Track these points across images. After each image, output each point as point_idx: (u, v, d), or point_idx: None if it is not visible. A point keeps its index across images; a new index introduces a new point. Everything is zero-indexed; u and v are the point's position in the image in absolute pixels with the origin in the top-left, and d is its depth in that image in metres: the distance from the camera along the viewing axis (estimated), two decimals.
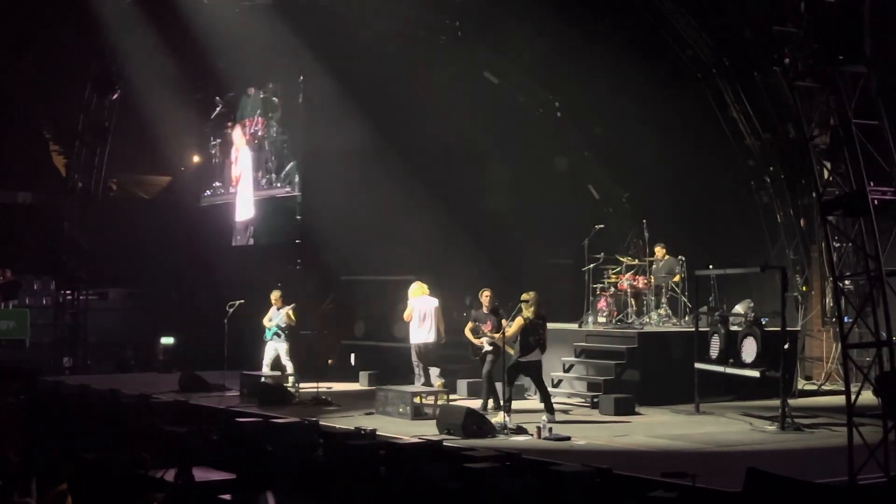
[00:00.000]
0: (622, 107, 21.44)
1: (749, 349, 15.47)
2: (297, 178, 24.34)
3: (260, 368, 19.65)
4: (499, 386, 16.02)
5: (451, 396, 17.10)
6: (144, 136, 25.35)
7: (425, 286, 17.85)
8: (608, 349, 18.00)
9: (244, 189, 26.48)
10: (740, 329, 16.02)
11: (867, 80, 11.46)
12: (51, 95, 25.89)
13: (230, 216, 26.72)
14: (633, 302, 19.00)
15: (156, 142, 25.79)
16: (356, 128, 22.51)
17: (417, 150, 22.88)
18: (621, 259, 19.51)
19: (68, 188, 25.93)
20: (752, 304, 16.88)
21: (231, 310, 19.67)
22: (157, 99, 24.44)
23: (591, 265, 19.35)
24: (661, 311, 19.16)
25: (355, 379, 20.90)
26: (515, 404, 15.35)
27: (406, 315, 17.77)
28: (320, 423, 14.70)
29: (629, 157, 22.98)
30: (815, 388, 19.13)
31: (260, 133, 25.81)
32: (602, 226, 20.22)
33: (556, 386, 17.99)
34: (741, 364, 15.59)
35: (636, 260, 19.57)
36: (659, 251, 19.73)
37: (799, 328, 19.72)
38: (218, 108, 26.55)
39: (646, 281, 19.16)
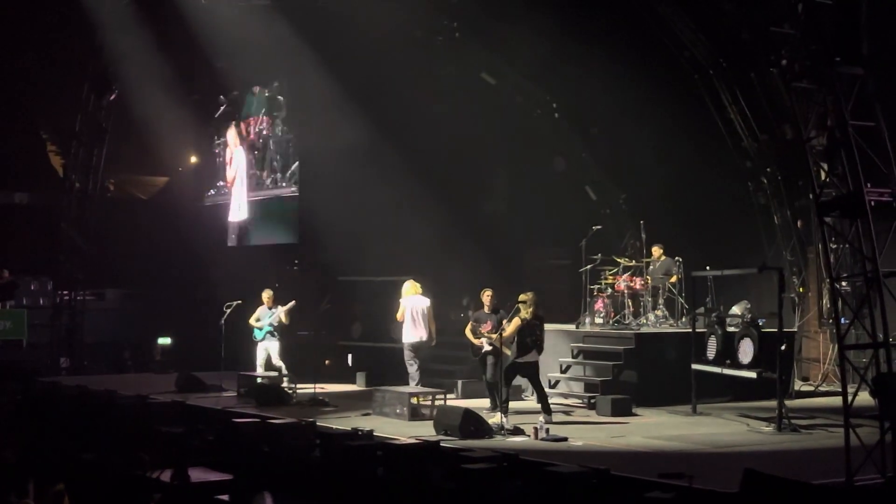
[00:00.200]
0: (620, 108, 21.43)
1: (746, 350, 15.47)
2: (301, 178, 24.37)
3: (256, 369, 19.66)
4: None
5: (449, 397, 17.12)
6: (142, 137, 25.35)
7: (418, 285, 17.87)
8: (605, 350, 18.01)
9: (238, 190, 26.49)
10: (737, 330, 16.01)
11: (864, 81, 11.47)
12: (48, 96, 25.91)
13: (227, 216, 26.74)
14: (630, 303, 19.00)
15: (153, 142, 25.78)
16: (354, 128, 22.51)
17: (415, 150, 22.87)
18: (618, 260, 19.50)
19: (65, 188, 25.95)
20: (748, 306, 16.90)
21: (228, 310, 19.67)
22: (155, 99, 24.43)
23: (589, 266, 19.34)
24: (659, 312, 19.17)
25: (352, 379, 20.90)
26: (512, 405, 15.36)
27: (399, 315, 17.80)
28: (317, 423, 14.71)
29: (627, 158, 22.97)
30: (811, 389, 19.13)
31: (265, 132, 25.77)
32: (599, 227, 20.22)
33: (553, 387, 17.99)
34: (738, 365, 15.60)
35: (633, 261, 19.56)
36: (656, 251, 19.74)
37: (796, 329, 19.72)
38: (222, 107, 26.50)
39: (643, 282, 19.16)
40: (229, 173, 26.95)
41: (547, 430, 13.98)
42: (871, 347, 10.96)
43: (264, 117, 25.72)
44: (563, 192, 24.15)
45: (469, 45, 23.32)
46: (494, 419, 14.58)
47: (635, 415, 16.20)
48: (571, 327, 19.18)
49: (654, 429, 14.88)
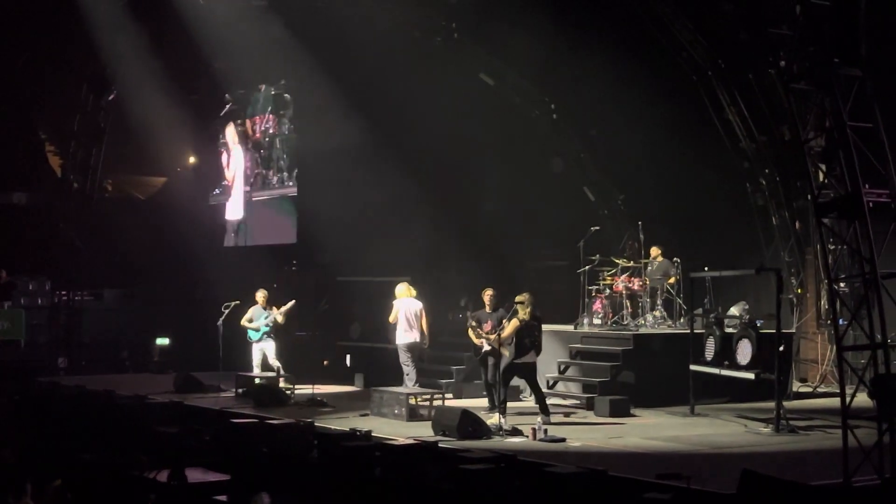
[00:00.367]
0: (618, 108, 21.41)
1: (744, 351, 15.49)
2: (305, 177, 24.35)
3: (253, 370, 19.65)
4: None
5: (447, 397, 17.13)
6: (140, 137, 25.31)
7: (412, 289, 17.95)
8: (603, 351, 18.02)
9: (237, 190, 26.47)
10: (735, 331, 16.03)
11: (862, 82, 11.47)
12: (47, 96, 25.89)
13: (226, 216, 26.74)
14: (628, 304, 19.00)
15: (151, 143, 25.76)
16: (352, 128, 22.51)
17: (413, 151, 22.88)
18: (617, 261, 19.51)
19: (64, 189, 25.91)
20: (746, 307, 16.90)
21: (227, 311, 19.67)
22: (153, 100, 24.42)
23: (587, 267, 19.35)
24: (657, 313, 19.17)
25: (351, 380, 20.90)
26: (510, 405, 15.36)
27: (392, 317, 17.85)
28: (315, 424, 14.71)
29: (625, 158, 22.96)
30: (809, 390, 19.13)
31: (271, 130, 25.73)
32: (598, 227, 20.22)
33: (551, 387, 18.00)
34: (736, 366, 15.61)
35: (632, 262, 19.56)
36: (655, 252, 19.73)
37: (794, 330, 19.73)
38: (228, 105, 26.45)
39: (641, 283, 19.16)
40: (228, 173, 26.92)
41: (545, 431, 13.99)
42: (870, 349, 10.96)
43: (270, 115, 25.64)
44: (562, 193, 24.14)
45: (468, 46, 23.31)
46: (493, 420, 14.59)
47: (633, 415, 16.21)
48: (569, 328, 19.20)
49: (652, 430, 14.89)
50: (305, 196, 24.22)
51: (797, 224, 20.64)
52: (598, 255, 19.44)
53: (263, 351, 19.64)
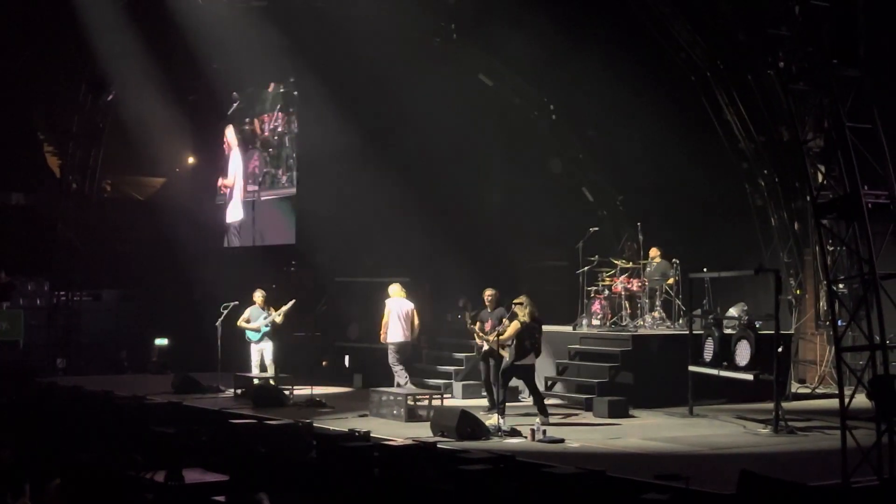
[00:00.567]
0: (617, 109, 21.44)
1: (743, 352, 15.48)
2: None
3: (252, 370, 19.64)
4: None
5: (446, 398, 17.13)
6: (139, 138, 25.30)
7: (404, 289, 18.07)
8: (602, 352, 18.01)
9: (237, 191, 26.45)
10: (734, 332, 16.04)
11: (861, 83, 11.47)
12: (45, 96, 25.87)
13: (225, 217, 26.73)
14: (627, 305, 19.00)
15: (150, 143, 25.74)
16: (351, 129, 22.50)
17: (412, 151, 22.89)
18: (615, 262, 19.51)
19: (62, 189, 25.90)
20: (745, 307, 16.90)
21: (225, 311, 19.65)
22: (152, 100, 24.41)
23: (586, 268, 19.35)
24: (656, 314, 19.16)
25: (349, 381, 20.90)
26: (509, 406, 15.36)
27: (385, 317, 17.95)
28: (314, 424, 14.70)
29: (623, 159, 22.98)
30: (808, 391, 19.12)
31: (280, 129, 25.66)
32: (596, 228, 20.22)
33: (549, 388, 17.99)
34: (735, 367, 15.61)
35: (630, 262, 19.57)
36: (654, 253, 19.74)
37: (793, 331, 19.73)
38: (235, 104, 26.42)
39: (640, 284, 19.16)
40: (229, 175, 26.89)
41: (544, 432, 13.99)
42: (868, 349, 10.96)
43: (279, 114, 25.58)
44: (560, 194, 24.17)
45: (466, 46, 23.33)
46: (491, 420, 14.59)
47: (632, 416, 16.20)
48: (568, 329, 19.19)
49: (651, 430, 14.89)
50: (304, 196, 24.20)
51: (796, 225, 20.64)
52: (596, 256, 19.44)
53: (262, 352, 19.62)
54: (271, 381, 19.01)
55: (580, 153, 24.43)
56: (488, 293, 16.74)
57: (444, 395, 17.17)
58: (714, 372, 16.05)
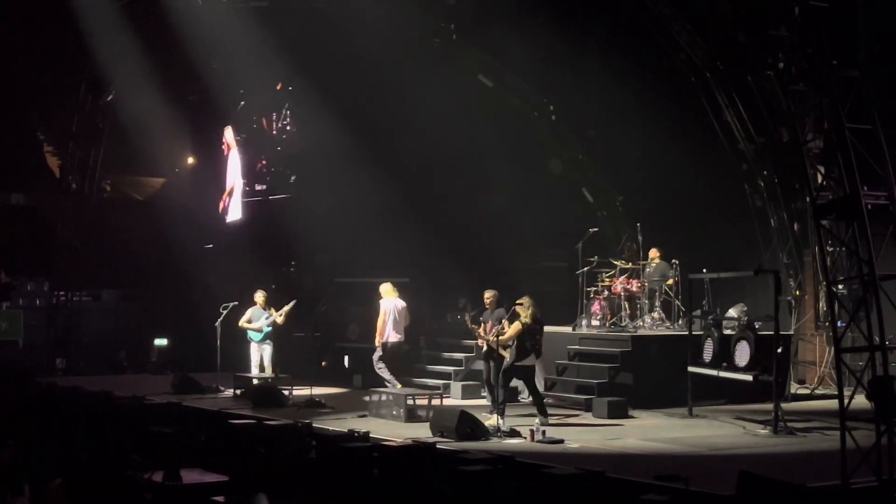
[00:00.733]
0: (616, 110, 21.45)
1: (742, 353, 15.49)
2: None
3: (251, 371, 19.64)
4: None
5: (445, 398, 17.14)
6: (138, 138, 25.30)
7: (396, 289, 18.26)
8: (602, 352, 18.01)
9: (236, 191, 26.43)
10: (734, 333, 16.04)
11: (861, 84, 11.48)
12: (45, 96, 25.87)
13: (226, 217, 26.71)
14: (626, 305, 19.00)
15: (150, 143, 25.74)
16: (351, 129, 22.50)
17: (412, 152, 22.89)
18: (615, 262, 19.50)
19: (62, 189, 25.88)
20: (745, 308, 16.90)
21: (225, 312, 19.64)
22: (152, 100, 24.41)
23: (585, 268, 19.35)
24: (655, 315, 19.17)
25: (349, 381, 20.89)
26: (508, 407, 15.37)
27: (381, 317, 17.99)
28: (313, 425, 14.70)
29: (623, 160, 22.99)
30: (808, 391, 19.12)
31: (288, 127, 25.62)
32: (596, 229, 20.22)
33: (549, 389, 17.98)
34: (734, 368, 15.61)
35: (630, 263, 19.57)
36: (653, 253, 19.74)
37: (792, 332, 19.74)
38: (242, 103, 26.38)
39: (639, 284, 19.16)
40: (229, 176, 26.87)
41: (543, 433, 13.99)
42: (868, 350, 10.96)
43: (287, 112, 25.53)
44: (560, 194, 24.17)
45: (466, 47, 23.34)
46: (491, 421, 14.60)
47: (631, 417, 16.20)
48: (568, 329, 19.18)
49: (651, 431, 14.89)
50: (304, 197, 24.19)
51: (795, 226, 20.65)
52: (596, 257, 19.44)
53: (262, 353, 19.62)
54: (270, 382, 19.02)
55: (580, 154, 24.43)
56: (488, 294, 16.73)
57: (444, 396, 17.17)
58: (713, 373, 16.05)
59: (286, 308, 19.46)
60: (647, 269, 19.59)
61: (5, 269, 24.78)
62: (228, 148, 26.88)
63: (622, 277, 19.17)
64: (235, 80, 25.28)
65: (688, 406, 16.31)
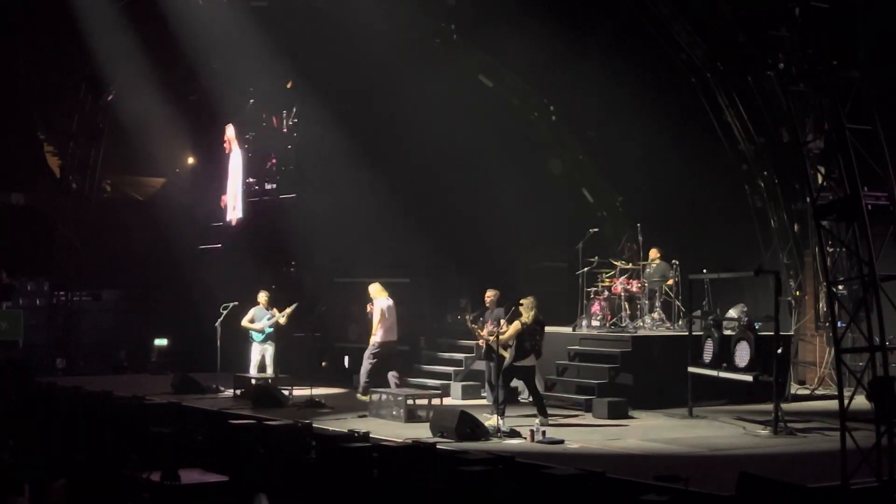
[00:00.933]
0: (616, 110, 21.44)
1: (742, 353, 15.49)
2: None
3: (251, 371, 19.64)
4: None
5: (445, 398, 17.14)
6: (139, 138, 25.30)
7: (384, 289, 18.51)
8: (602, 353, 18.01)
9: (235, 190, 26.41)
10: (734, 333, 16.04)
11: (861, 84, 11.47)
12: (45, 96, 25.85)
13: (225, 217, 26.70)
14: (626, 306, 19.01)
15: (150, 143, 25.74)
16: (350, 130, 22.50)
17: (412, 152, 22.88)
18: (615, 263, 19.51)
19: (62, 189, 25.87)
20: (745, 309, 16.91)
21: (225, 312, 19.64)
22: (152, 100, 24.40)
23: (586, 269, 19.35)
24: (655, 315, 19.17)
25: (349, 381, 20.88)
26: (508, 407, 15.37)
27: (377, 317, 18.04)
28: (313, 425, 14.70)
29: (623, 160, 22.99)
30: (808, 392, 19.13)
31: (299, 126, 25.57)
32: (596, 229, 20.23)
33: (549, 389, 17.98)
34: (734, 368, 15.61)
35: (630, 264, 19.57)
36: (653, 254, 19.74)
37: (792, 332, 19.74)
38: (251, 101, 26.35)
39: (640, 285, 19.17)
40: (230, 175, 26.85)
41: (543, 433, 13.99)
42: (868, 351, 10.96)
43: (296, 110, 25.47)
44: (560, 195, 24.17)
45: (466, 47, 23.34)
46: (491, 421, 14.59)
47: (631, 417, 16.20)
48: (568, 330, 19.18)
49: (651, 431, 14.89)
50: (304, 197, 24.19)
51: (796, 226, 20.65)
52: (596, 257, 19.44)
53: (263, 353, 19.62)
54: (270, 382, 19.02)
55: (580, 154, 24.43)
56: (489, 294, 16.80)
57: (444, 396, 17.17)
58: (713, 373, 16.05)
59: (289, 309, 19.47)
60: (648, 270, 19.60)
61: (5, 269, 24.77)
62: (230, 146, 26.87)
63: (622, 278, 19.18)
64: (240, 79, 25.27)
65: (688, 406, 16.31)
